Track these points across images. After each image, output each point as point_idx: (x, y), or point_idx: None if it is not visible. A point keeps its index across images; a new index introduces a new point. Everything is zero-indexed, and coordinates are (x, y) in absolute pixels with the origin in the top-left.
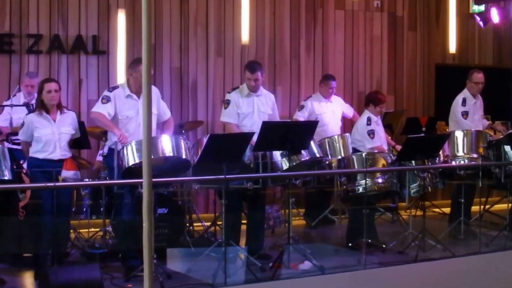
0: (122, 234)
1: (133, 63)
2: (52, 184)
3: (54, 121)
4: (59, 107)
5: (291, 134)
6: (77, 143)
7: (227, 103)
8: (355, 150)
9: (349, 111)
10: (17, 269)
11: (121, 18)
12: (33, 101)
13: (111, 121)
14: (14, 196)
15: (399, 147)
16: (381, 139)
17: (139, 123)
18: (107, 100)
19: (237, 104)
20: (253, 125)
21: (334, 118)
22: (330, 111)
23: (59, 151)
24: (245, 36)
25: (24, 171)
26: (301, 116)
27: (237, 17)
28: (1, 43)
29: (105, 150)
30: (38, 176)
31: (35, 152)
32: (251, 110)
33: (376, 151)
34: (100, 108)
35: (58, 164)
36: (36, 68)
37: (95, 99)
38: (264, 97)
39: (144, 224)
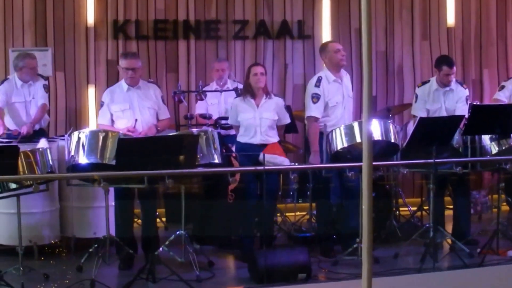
0: (328, 218)
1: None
2: (261, 167)
3: (258, 106)
4: (265, 91)
5: (501, 117)
6: (285, 127)
7: (416, 97)
8: None
9: None
10: (225, 252)
11: (325, 2)
12: (227, 86)
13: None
14: (224, 180)
15: None
16: None
17: (344, 107)
18: (317, 98)
19: (425, 99)
20: None
21: None
22: None
23: (259, 136)
24: (450, 18)
25: (234, 155)
26: (502, 95)
27: (443, 0)
28: (208, 29)
29: None
30: (243, 160)
31: (240, 135)
32: (439, 106)
33: None
34: (313, 111)
35: (259, 148)
36: (242, 53)
37: (301, 83)
38: (452, 93)
39: (363, 207)
